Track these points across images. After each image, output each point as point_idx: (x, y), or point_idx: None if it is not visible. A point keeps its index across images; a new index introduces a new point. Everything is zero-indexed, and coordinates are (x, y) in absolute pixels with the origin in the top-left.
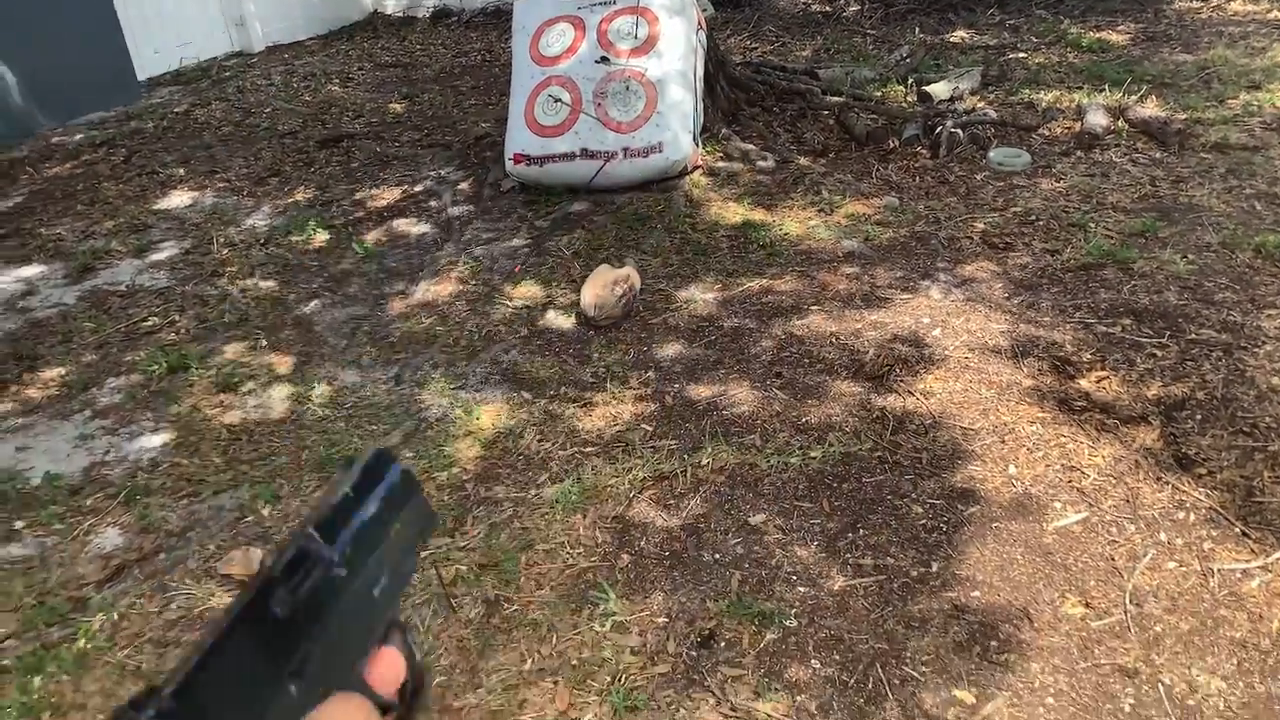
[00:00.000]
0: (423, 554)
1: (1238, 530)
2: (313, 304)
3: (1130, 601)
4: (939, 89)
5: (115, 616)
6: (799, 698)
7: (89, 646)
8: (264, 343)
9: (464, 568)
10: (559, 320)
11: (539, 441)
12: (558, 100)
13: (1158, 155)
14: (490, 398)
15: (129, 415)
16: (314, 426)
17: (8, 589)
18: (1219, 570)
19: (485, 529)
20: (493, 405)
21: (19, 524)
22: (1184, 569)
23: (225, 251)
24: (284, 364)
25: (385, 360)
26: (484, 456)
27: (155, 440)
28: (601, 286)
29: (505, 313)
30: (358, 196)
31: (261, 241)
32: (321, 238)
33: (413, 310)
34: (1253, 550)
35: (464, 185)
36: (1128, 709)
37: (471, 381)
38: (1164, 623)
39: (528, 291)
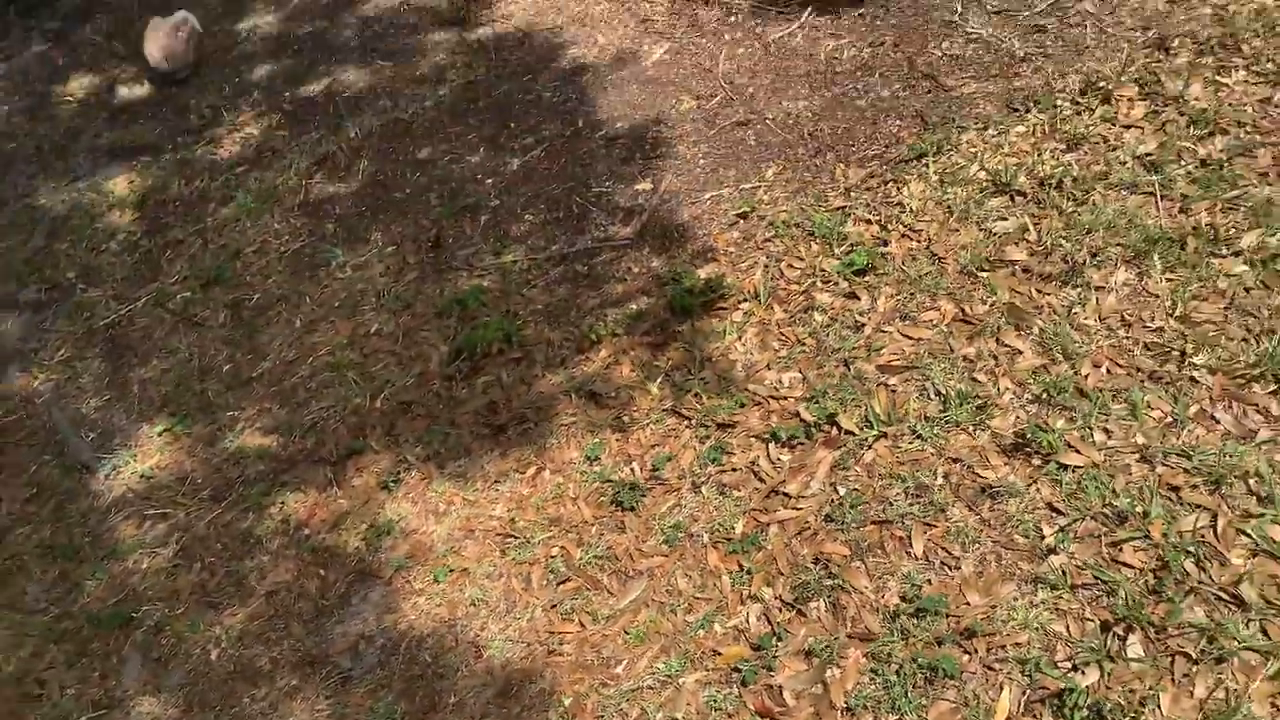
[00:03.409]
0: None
1: (774, 11)
2: None
3: (725, 82)
4: None
5: None
6: (528, 243)
7: None
8: None
9: (189, 294)
10: (135, 91)
11: (186, 184)
12: None
13: None
14: (111, 174)
15: None
16: None
17: None
18: (772, 39)
19: (184, 263)
20: (120, 178)
21: None
22: (749, 50)
23: None
24: None
25: None
26: (141, 215)
27: None
28: (165, 36)
29: (72, 110)
30: None
31: None
32: None
33: None
34: (789, 18)
35: None
36: (752, 141)
37: (82, 173)
38: (753, 85)
39: (83, 83)
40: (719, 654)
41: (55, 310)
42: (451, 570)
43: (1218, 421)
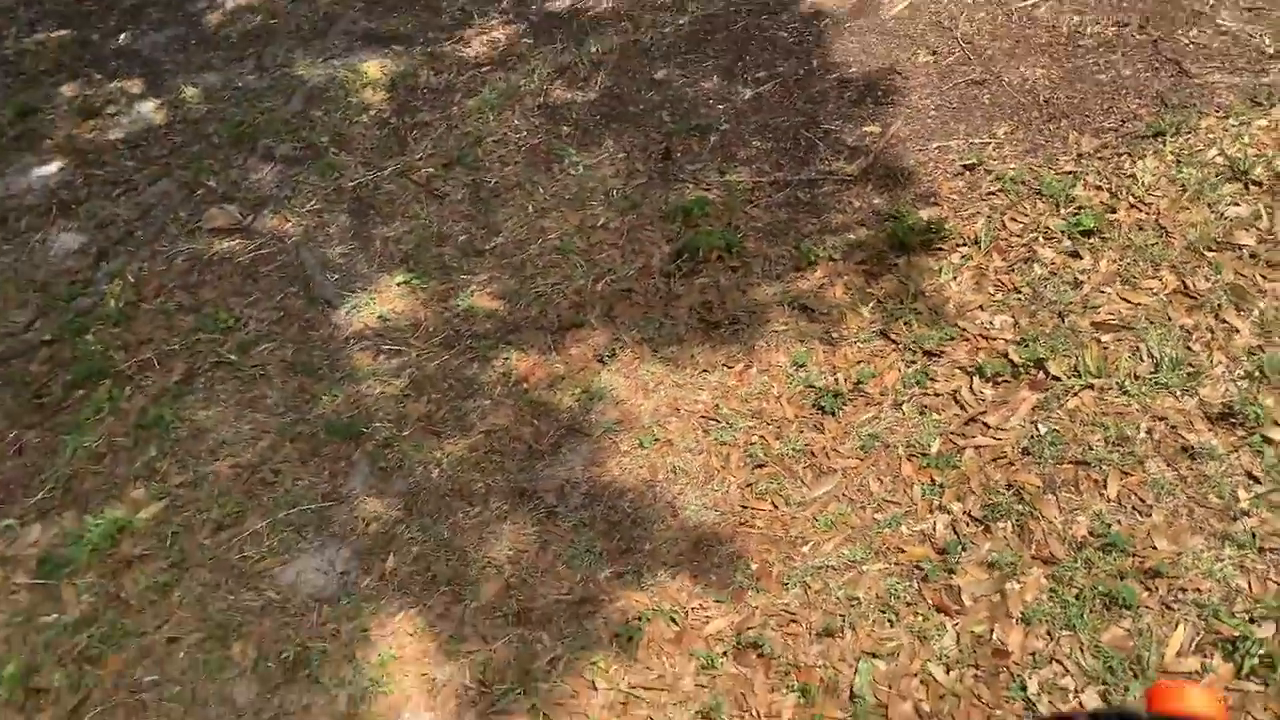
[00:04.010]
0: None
1: None
2: (122, 37)
3: (963, 41)
4: None
5: (130, 278)
6: (754, 166)
7: (121, 303)
8: (97, 75)
9: (432, 170)
10: None
11: (435, 75)
12: None
13: None
14: (364, 58)
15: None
16: (207, 119)
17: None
18: (1015, 7)
19: (429, 143)
20: (372, 62)
21: None
22: (990, 14)
23: None
24: (133, 86)
25: (236, 58)
26: (392, 97)
27: (48, 169)
28: None
29: None
30: None
31: None
32: None
33: (229, 17)
34: None
35: None
36: (985, 100)
37: (337, 53)
38: (991, 47)
39: None
40: (903, 551)
41: (308, 167)
42: (656, 439)
43: None
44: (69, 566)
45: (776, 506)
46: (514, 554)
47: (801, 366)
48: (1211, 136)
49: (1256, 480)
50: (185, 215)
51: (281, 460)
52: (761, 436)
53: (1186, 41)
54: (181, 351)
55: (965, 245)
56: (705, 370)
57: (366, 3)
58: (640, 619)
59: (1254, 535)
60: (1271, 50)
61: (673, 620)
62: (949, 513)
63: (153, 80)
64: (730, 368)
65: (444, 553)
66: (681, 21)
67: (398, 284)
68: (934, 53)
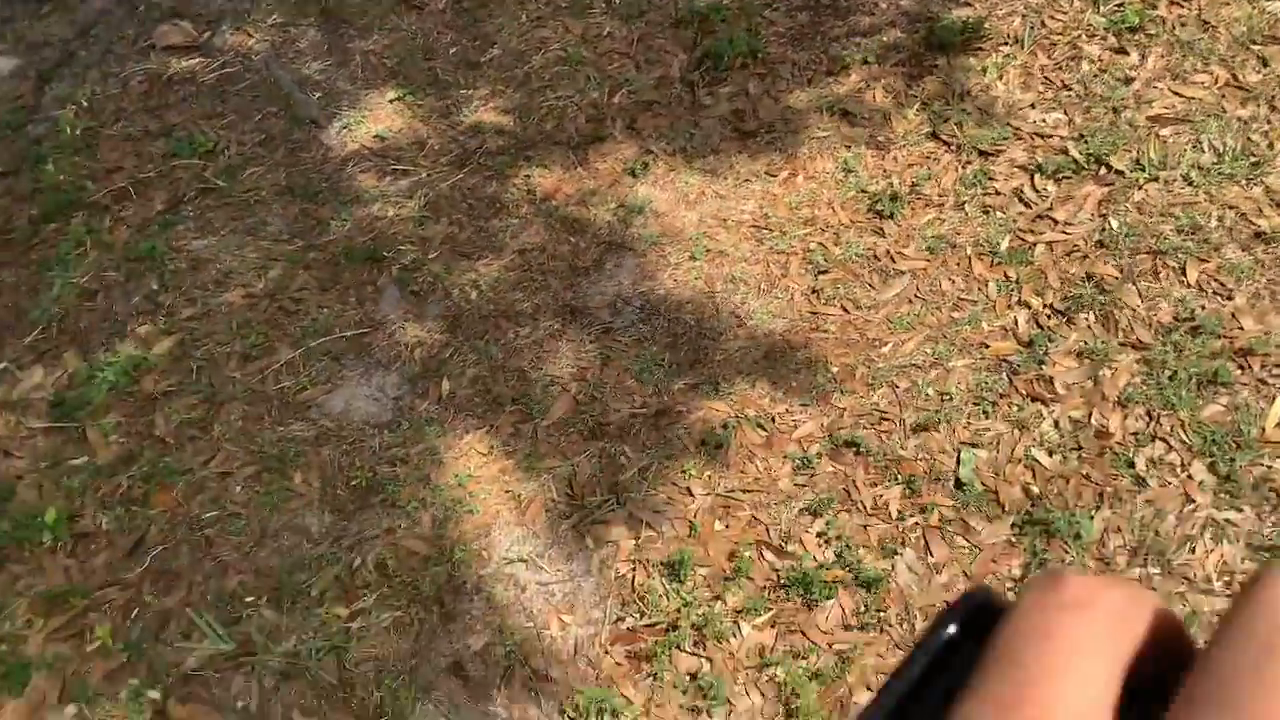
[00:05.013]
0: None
1: None
2: None
3: None
4: None
5: (83, 102)
6: None
7: (78, 130)
8: None
9: None
10: None
11: None
12: None
13: None
14: None
15: None
16: None
17: None
18: None
19: None
20: None
21: None
22: None
23: None
24: None
25: None
26: None
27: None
28: None
29: None
30: None
31: None
32: None
33: None
34: None
35: None
36: None
37: None
38: None
39: None
40: (987, 346)
41: None
42: (708, 250)
43: None
44: (86, 407)
45: (847, 310)
46: (576, 371)
47: (851, 172)
48: None
49: None
50: (133, 33)
51: (300, 289)
52: (820, 243)
53: None
54: (159, 179)
55: (1007, 45)
56: (747, 180)
57: None
58: (725, 427)
59: None
60: None
61: (760, 426)
62: (1029, 307)
63: None
64: (773, 176)
65: (501, 374)
66: None
67: (390, 101)
68: None
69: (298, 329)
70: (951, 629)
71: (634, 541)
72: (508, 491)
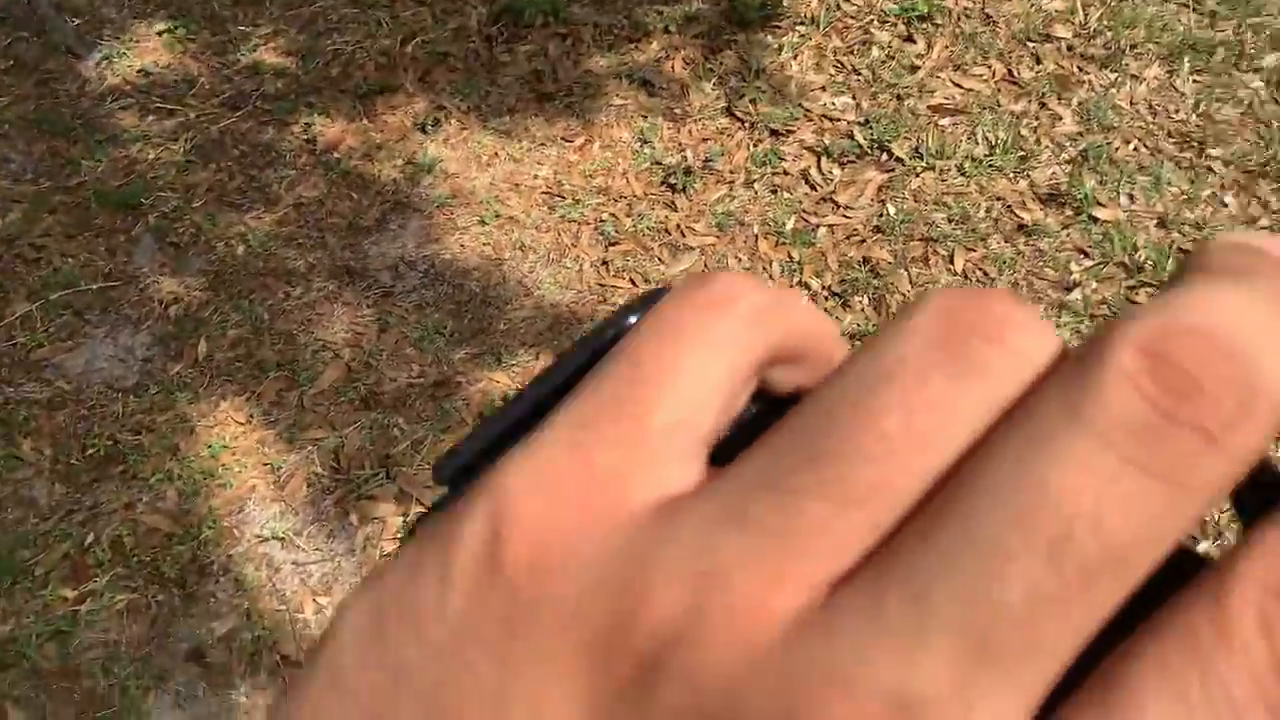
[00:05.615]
0: None
1: None
2: None
3: None
4: None
5: None
6: None
7: None
8: None
9: None
10: None
11: None
12: None
13: None
14: None
15: None
16: None
17: None
18: None
19: None
20: None
21: None
22: None
23: None
24: None
25: None
26: None
27: None
28: None
29: None
30: None
31: None
32: None
33: None
34: None
35: None
36: None
37: None
38: None
39: None
40: None
41: None
42: (499, 216)
43: (1226, 205)
44: None
45: (635, 284)
46: (351, 336)
47: (647, 143)
48: None
49: (1086, 255)
50: None
51: (42, 234)
52: (611, 214)
53: None
54: None
55: (803, 24)
56: (542, 144)
57: None
58: (505, 400)
59: (1085, 304)
60: None
61: None
62: (808, 288)
63: None
64: (569, 142)
65: (266, 336)
66: None
67: (158, 33)
68: None
69: (36, 279)
70: (632, 319)
71: (402, 518)
72: (266, 464)
